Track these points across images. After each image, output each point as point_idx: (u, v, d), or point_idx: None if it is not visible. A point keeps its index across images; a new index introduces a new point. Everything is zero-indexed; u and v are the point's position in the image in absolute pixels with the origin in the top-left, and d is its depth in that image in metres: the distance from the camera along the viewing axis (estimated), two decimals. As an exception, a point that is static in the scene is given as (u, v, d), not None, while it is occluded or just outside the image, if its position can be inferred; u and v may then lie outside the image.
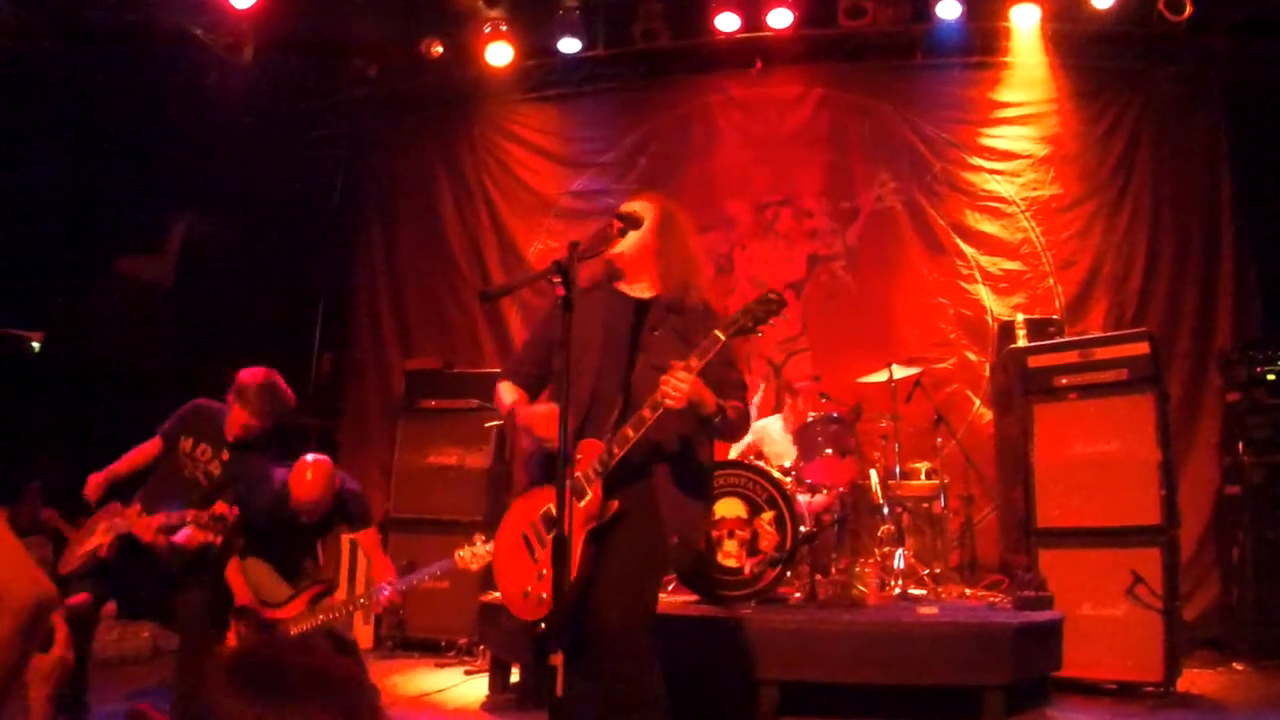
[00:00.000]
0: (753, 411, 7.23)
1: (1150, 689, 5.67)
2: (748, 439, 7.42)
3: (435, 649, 7.36)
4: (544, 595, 3.27)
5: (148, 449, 5.31)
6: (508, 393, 3.72)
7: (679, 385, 3.19)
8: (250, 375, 5.10)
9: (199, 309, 9.14)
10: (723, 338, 3.30)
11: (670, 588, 6.34)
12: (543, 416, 3.43)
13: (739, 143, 9.46)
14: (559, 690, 2.65)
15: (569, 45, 9.35)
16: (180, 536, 4.81)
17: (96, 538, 4.95)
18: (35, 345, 8.13)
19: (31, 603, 1.85)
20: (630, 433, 3.29)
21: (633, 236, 3.55)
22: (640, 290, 3.67)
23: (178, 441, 5.24)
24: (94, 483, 5.11)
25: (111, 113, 8.22)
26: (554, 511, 3.17)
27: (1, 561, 1.89)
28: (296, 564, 5.19)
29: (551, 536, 3.21)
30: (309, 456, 5.04)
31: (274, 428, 5.22)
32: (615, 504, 3.31)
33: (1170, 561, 5.75)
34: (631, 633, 3.23)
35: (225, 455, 5.18)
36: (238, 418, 5.08)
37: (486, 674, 6.29)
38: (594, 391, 3.44)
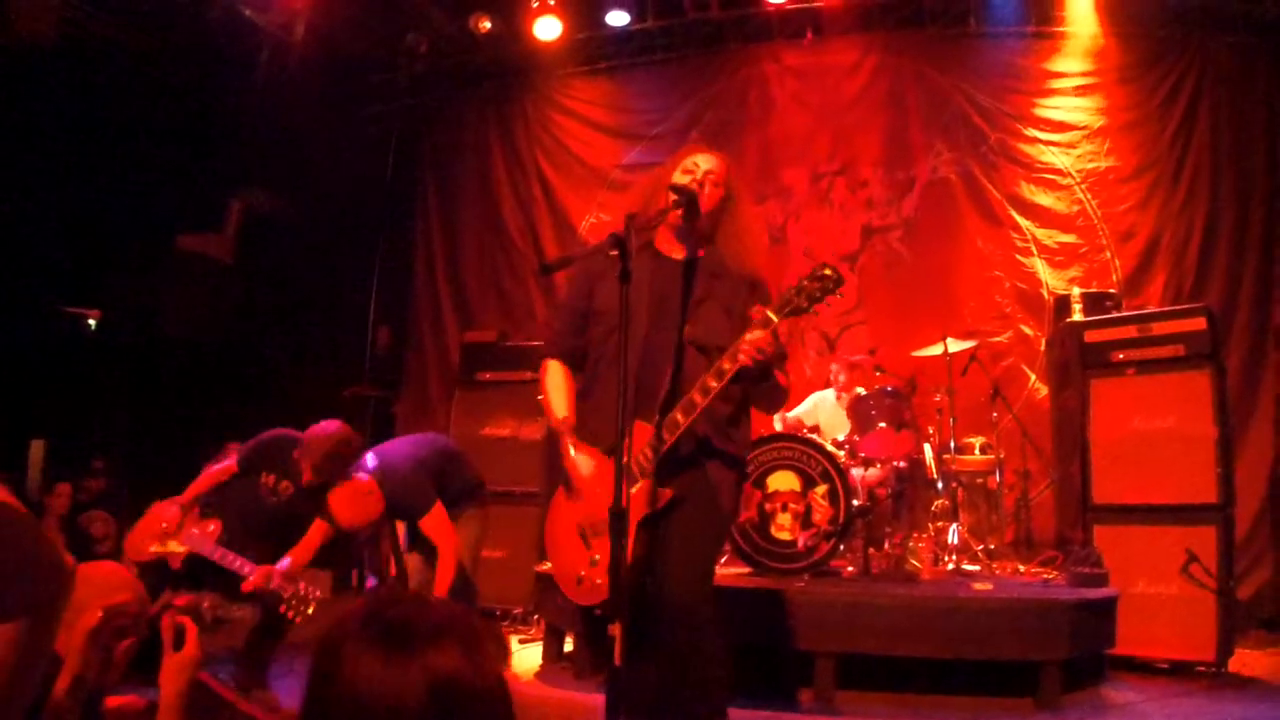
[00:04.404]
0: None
1: (1203, 668, 5.65)
2: (804, 406, 7.43)
3: (490, 618, 7.46)
4: (599, 581, 3.24)
5: (220, 474, 5.31)
6: (557, 394, 3.54)
7: (761, 344, 3.10)
8: (318, 435, 5.01)
9: (259, 285, 9.29)
10: (775, 319, 3.15)
11: (723, 560, 6.37)
12: (582, 476, 3.33)
13: (795, 111, 9.43)
14: (617, 660, 2.66)
15: (617, 18, 9.35)
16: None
17: (171, 543, 5.04)
18: (91, 323, 8.28)
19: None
20: (681, 418, 3.20)
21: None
22: (685, 249, 3.49)
23: (258, 474, 5.26)
24: (166, 515, 5.12)
25: (169, 94, 8.35)
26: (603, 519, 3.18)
27: None
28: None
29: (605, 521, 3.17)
30: (360, 475, 4.97)
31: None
32: (669, 492, 3.21)
33: (1225, 540, 5.70)
34: (699, 608, 3.20)
35: (301, 489, 5.21)
36: (305, 469, 5.03)
37: (540, 643, 6.39)
38: (642, 365, 3.25)
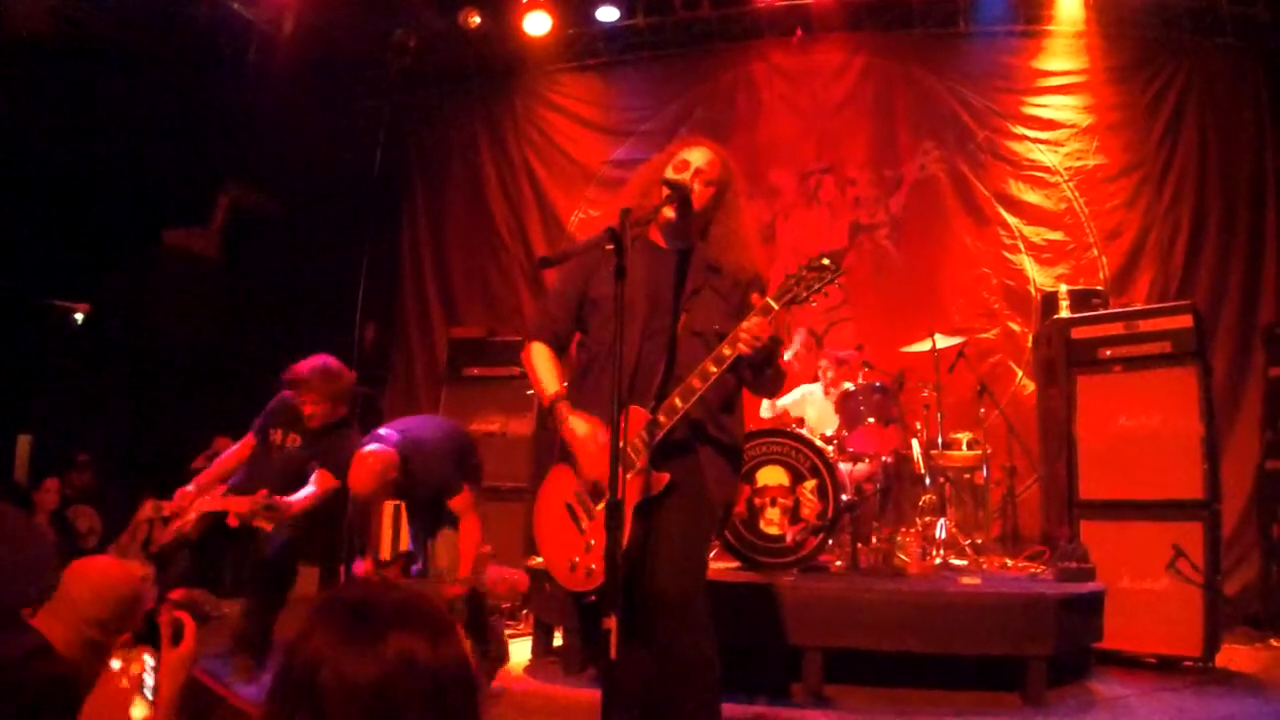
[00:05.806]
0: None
1: (1189, 664, 5.66)
2: (792, 397, 7.44)
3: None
4: (593, 567, 3.22)
5: (242, 450, 5.48)
6: (546, 372, 3.49)
7: (758, 332, 3.10)
8: (306, 365, 5.23)
9: (245, 280, 9.27)
10: (775, 307, 3.16)
11: (712, 555, 6.36)
12: (580, 438, 3.30)
13: (783, 111, 9.46)
14: (613, 654, 2.65)
15: (607, 14, 9.38)
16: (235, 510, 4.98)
17: (184, 516, 5.11)
18: (79, 316, 8.25)
19: None
20: (679, 403, 3.20)
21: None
22: (679, 242, 3.49)
23: (269, 435, 5.40)
24: (186, 496, 5.22)
25: (158, 89, 8.31)
26: (601, 482, 3.20)
27: None
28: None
29: (600, 506, 3.19)
30: (369, 447, 4.98)
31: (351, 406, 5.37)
32: (666, 476, 3.20)
33: (1212, 536, 5.70)
34: (689, 602, 3.18)
35: (308, 434, 5.35)
36: (305, 407, 5.24)
37: (529, 638, 6.36)
38: (638, 356, 3.28)
